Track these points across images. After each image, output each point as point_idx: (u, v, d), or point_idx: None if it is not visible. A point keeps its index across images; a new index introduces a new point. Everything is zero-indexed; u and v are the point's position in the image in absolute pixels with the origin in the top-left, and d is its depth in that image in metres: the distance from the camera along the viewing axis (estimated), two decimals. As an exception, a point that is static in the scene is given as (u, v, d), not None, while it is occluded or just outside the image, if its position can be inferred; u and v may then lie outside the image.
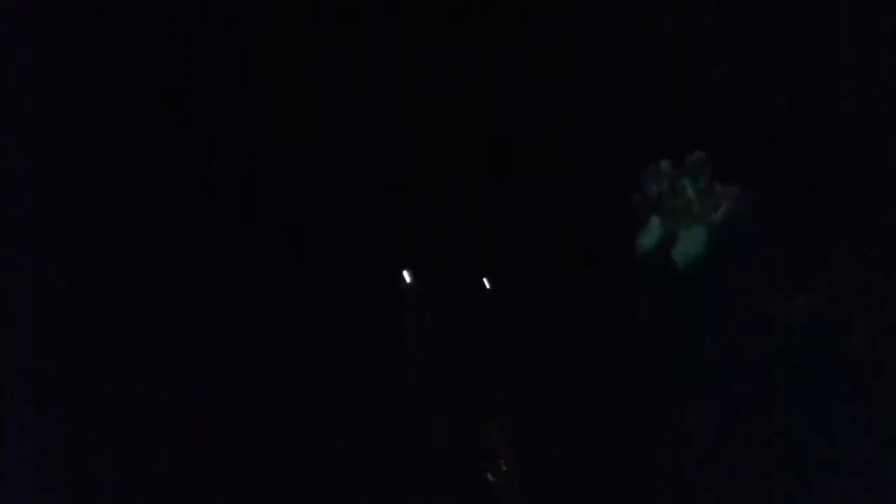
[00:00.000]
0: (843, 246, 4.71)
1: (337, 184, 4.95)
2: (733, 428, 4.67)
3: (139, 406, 4.68)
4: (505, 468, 4.87)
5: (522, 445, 4.91)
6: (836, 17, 4.81)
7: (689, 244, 4.72)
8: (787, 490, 4.57)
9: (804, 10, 4.82)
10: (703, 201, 4.72)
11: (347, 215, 4.95)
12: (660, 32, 4.95)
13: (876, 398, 4.58)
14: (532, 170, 4.97)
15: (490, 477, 4.87)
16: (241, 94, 4.87)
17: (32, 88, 4.71)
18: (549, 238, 4.97)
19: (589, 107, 4.94)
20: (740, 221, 4.71)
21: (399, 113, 4.98)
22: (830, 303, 4.70)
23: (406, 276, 4.83)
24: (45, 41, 4.72)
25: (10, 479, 4.48)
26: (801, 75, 4.82)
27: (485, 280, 4.98)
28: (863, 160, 4.76)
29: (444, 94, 4.98)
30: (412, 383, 4.91)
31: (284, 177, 4.92)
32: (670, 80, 4.90)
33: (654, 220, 4.79)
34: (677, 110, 4.86)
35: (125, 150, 4.79)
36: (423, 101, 4.99)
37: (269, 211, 4.89)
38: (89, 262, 4.72)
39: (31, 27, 4.70)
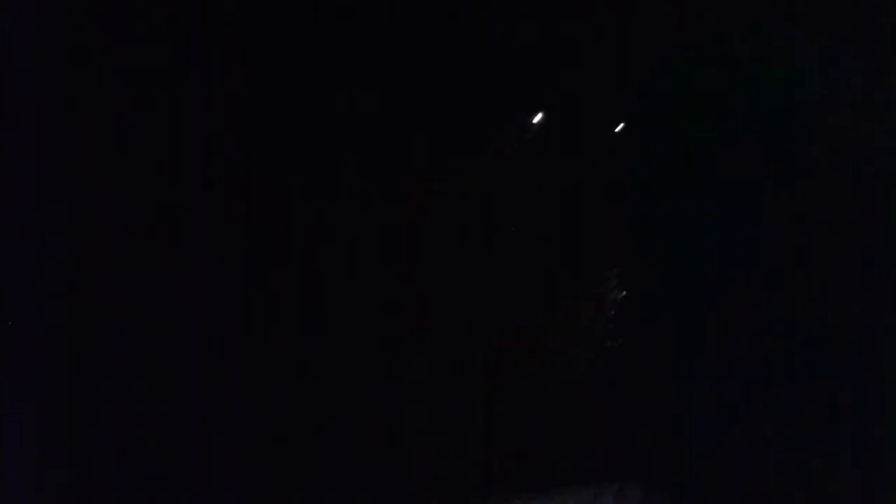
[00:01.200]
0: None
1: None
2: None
3: (139, 406, 4.69)
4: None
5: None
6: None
7: None
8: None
9: None
10: None
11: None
12: None
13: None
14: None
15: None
16: (242, 92, 4.89)
17: (32, 88, 4.71)
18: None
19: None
20: None
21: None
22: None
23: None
24: (45, 41, 4.73)
25: (10, 479, 4.49)
26: None
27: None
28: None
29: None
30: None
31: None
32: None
33: None
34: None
35: (125, 151, 4.80)
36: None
37: (270, 203, 4.90)
38: (89, 261, 4.72)
39: (32, 27, 4.71)
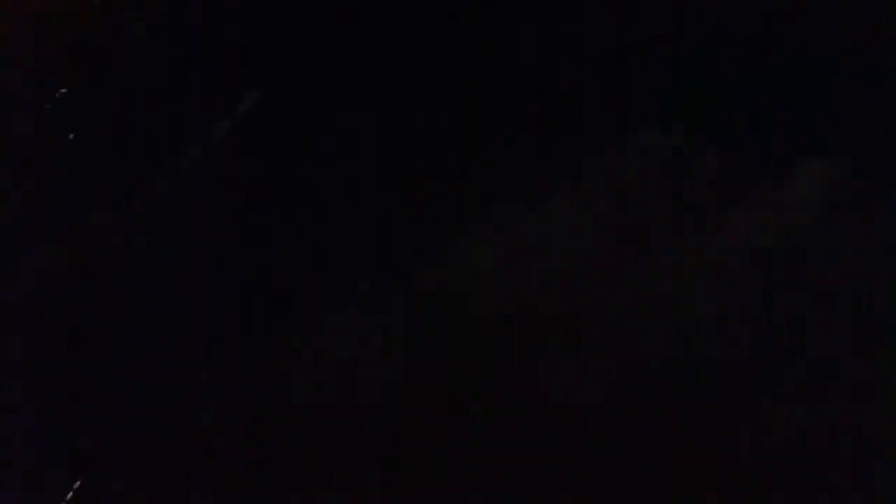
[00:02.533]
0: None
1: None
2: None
3: (140, 406, 4.68)
4: None
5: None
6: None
7: None
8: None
9: None
10: None
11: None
12: None
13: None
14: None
15: None
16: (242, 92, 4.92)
17: (32, 88, 4.73)
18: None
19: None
20: None
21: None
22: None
23: None
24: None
25: (10, 479, 4.47)
26: None
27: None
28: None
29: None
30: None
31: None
32: None
33: None
34: None
35: (125, 150, 4.82)
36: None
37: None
38: (89, 261, 4.73)
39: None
